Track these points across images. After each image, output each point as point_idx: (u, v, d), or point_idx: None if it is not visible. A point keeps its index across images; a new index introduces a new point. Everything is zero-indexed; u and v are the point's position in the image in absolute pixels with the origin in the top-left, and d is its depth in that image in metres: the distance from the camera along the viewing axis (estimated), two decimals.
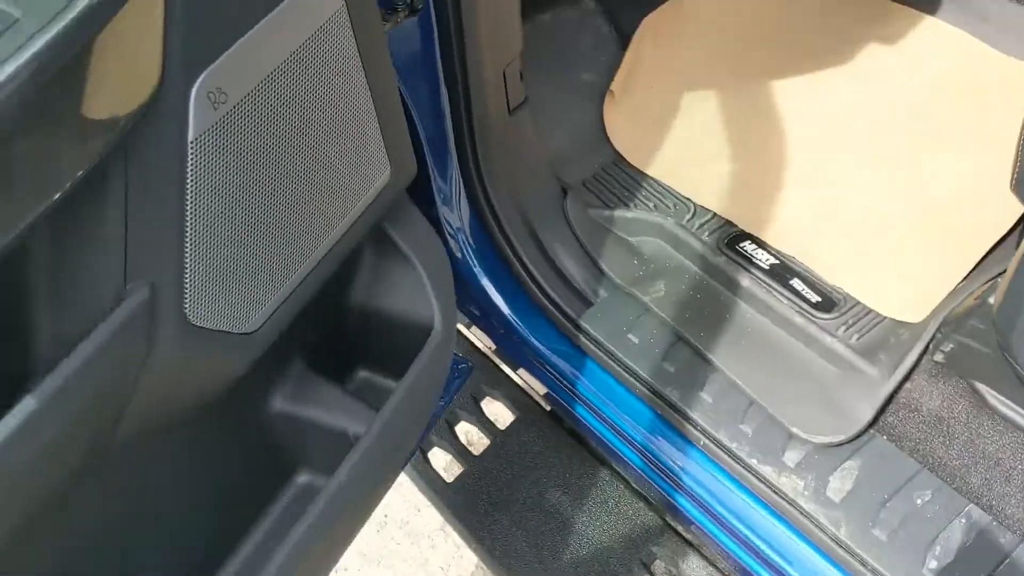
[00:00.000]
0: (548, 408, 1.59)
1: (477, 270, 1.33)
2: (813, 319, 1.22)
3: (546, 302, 1.31)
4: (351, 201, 0.84)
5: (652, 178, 1.44)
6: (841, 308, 1.23)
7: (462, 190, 1.27)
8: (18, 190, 0.54)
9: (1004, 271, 0.99)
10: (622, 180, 1.44)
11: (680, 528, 1.41)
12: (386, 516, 1.78)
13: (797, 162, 1.41)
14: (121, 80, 0.58)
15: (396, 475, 1.05)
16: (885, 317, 1.22)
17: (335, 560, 0.99)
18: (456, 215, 1.29)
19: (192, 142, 0.64)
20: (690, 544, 1.40)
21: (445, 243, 1.33)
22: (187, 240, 0.66)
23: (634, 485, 1.46)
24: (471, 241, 1.31)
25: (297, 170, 0.75)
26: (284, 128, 0.72)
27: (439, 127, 1.20)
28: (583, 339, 1.29)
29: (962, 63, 1.53)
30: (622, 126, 1.48)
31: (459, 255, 1.32)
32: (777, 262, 1.30)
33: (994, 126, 1.42)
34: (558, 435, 1.55)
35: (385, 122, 0.86)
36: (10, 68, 0.50)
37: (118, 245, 0.63)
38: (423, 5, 1.07)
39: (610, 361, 1.27)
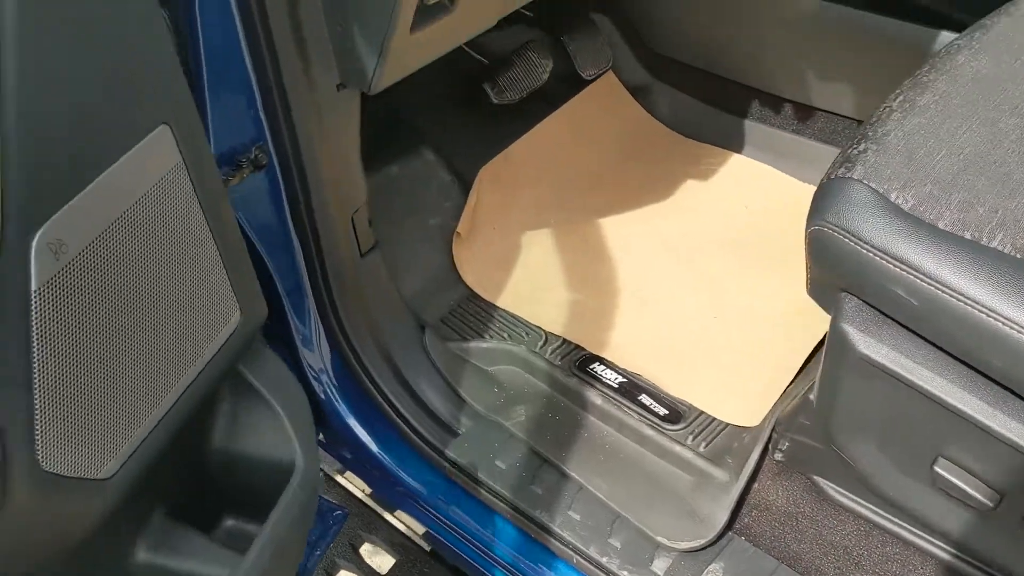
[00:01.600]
0: (429, 548, 1.58)
1: (343, 410, 1.34)
2: (663, 431, 1.29)
3: (414, 436, 1.33)
4: (201, 344, 0.86)
5: (503, 310, 1.51)
6: (687, 419, 1.31)
7: (322, 332, 1.30)
8: None
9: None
10: (476, 314, 1.50)
11: None
12: None
13: (628, 287, 1.53)
14: None
15: None
16: (727, 424, 1.30)
17: None
18: (317, 356, 1.31)
19: (35, 291, 0.66)
20: None
21: (308, 386, 1.34)
22: (36, 386, 0.67)
23: None
24: (334, 381, 1.33)
25: (143, 316, 0.77)
26: (127, 276, 0.74)
27: (293, 273, 1.24)
28: (451, 469, 1.31)
29: (768, 191, 1.70)
30: (471, 264, 1.57)
31: (323, 396, 1.34)
32: (625, 380, 1.37)
33: (800, 243, 1.57)
34: (440, 575, 1.53)
35: (231, 268, 0.89)
36: None
37: None
38: (267, 161, 1.13)
39: (479, 488, 1.29)
